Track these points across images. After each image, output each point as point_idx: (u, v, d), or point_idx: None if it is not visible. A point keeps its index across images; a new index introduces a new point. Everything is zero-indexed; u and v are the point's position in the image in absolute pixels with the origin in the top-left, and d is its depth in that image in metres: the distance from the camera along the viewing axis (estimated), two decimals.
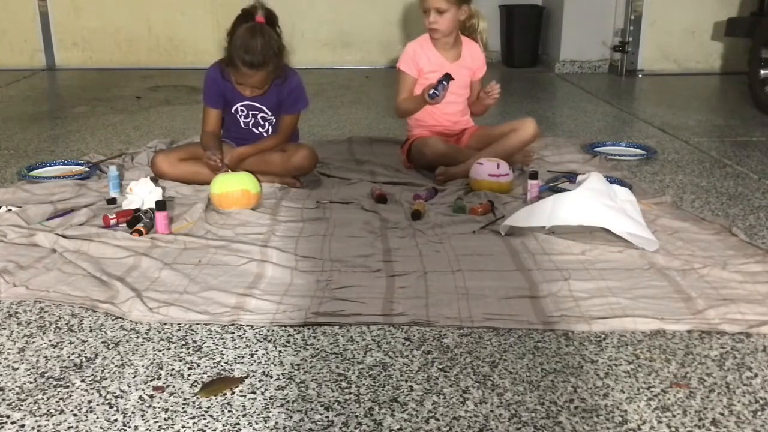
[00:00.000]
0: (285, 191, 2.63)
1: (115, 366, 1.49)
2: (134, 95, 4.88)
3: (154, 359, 1.52)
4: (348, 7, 6.37)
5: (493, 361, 1.51)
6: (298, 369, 1.48)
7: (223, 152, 2.60)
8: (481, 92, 2.90)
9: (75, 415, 1.32)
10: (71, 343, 1.59)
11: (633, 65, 5.84)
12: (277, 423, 1.30)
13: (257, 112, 2.68)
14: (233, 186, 2.40)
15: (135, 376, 1.45)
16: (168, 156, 2.68)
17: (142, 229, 2.14)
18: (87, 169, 2.89)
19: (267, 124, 2.71)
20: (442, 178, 2.74)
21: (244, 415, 1.32)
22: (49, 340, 1.60)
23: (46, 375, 1.46)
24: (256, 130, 2.72)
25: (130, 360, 1.52)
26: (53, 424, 1.30)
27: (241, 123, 2.71)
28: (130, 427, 1.29)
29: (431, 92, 2.69)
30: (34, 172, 2.89)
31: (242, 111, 2.68)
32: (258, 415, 1.32)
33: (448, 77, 2.69)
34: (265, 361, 1.51)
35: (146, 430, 1.28)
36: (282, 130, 2.71)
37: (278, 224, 2.29)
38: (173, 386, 1.42)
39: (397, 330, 1.64)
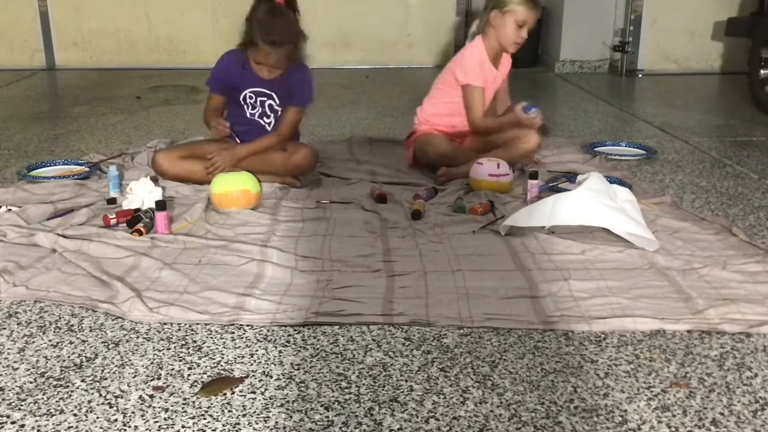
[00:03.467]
0: (285, 191, 2.63)
1: (115, 366, 1.49)
2: (134, 95, 4.88)
3: (154, 359, 1.52)
4: (348, 7, 6.37)
5: (493, 361, 1.51)
6: (298, 369, 1.48)
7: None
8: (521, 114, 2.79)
9: (75, 415, 1.32)
10: (71, 343, 1.59)
11: (633, 65, 5.84)
12: (277, 423, 1.30)
13: (266, 99, 2.68)
14: (233, 186, 2.40)
15: (135, 376, 1.45)
16: (168, 154, 2.68)
17: (142, 229, 2.14)
18: (87, 169, 2.89)
19: (273, 115, 2.71)
20: (443, 179, 2.73)
21: (244, 415, 1.32)
22: (49, 340, 1.60)
23: (46, 375, 1.46)
24: (261, 121, 2.71)
25: (130, 360, 1.52)
26: (53, 424, 1.30)
27: (248, 113, 2.70)
28: (130, 427, 1.29)
29: (527, 106, 2.70)
30: (34, 172, 2.89)
31: (251, 98, 2.68)
32: (258, 415, 1.33)
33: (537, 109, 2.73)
34: (265, 361, 1.51)
35: (146, 430, 1.28)
36: (283, 126, 2.69)
37: (278, 224, 2.29)
38: (173, 386, 1.42)
39: (397, 330, 1.64)
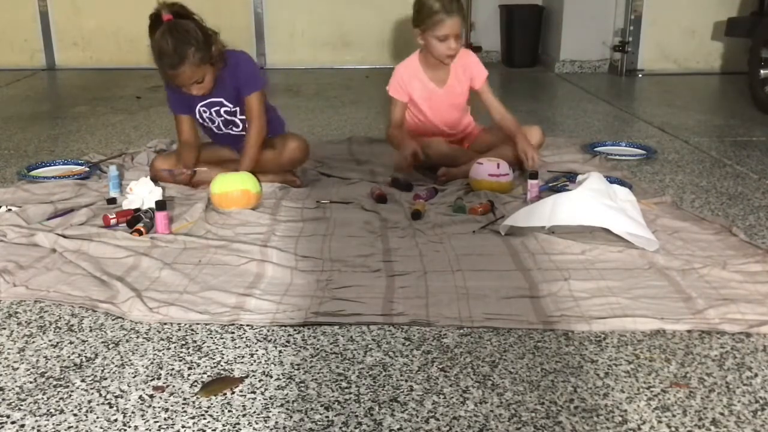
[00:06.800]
0: (285, 191, 2.63)
1: (115, 366, 1.49)
2: (134, 95, 4.88)
3: (154, 359, 1.52)
4: (348, 7, 6.37)
5: (493, 361, 1.51)
6: (298, 369, 1.48)
7: (198, 161, 2.61)
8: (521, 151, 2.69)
9: (75, 415, 1.32)
10: (71, 343, 1.59)
11: (633, 65, 5.84)
12: (277, 423, 1.30)
13: (218, 107, 2.60)
14: (233, 186, 2.40)
15: (135, 376, 1.45)
16: (167, 159, 2.69)
17: (142, 229, 2.14)
18: (87, 169, 2.89)
19: (238, 120, 2.64)
20: (444, 179, 2.73)
21: (244, 415, 1.32)
22: (49, 340, 1.60)
23: (46, 375, 1.46)
24: (232, 132, 2.67)
25: (130, 360, 1.52)
26: (53, 424, 1.30)
27: (214, 129, 2.67)
28: (130, 427, 1.29)
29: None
30: (34, 172, 2.89)
31: (205, 112, 2.61)
32: (258, 415, 1.33)
33: None
34: (265, 361, 1.51)
35: (146, 430, 1.28)
36: (252, 117, 2.57)
37: (278, 224, 2.29)
38: (173, 386, 1.42)
39: (397, 330, 1.64)
